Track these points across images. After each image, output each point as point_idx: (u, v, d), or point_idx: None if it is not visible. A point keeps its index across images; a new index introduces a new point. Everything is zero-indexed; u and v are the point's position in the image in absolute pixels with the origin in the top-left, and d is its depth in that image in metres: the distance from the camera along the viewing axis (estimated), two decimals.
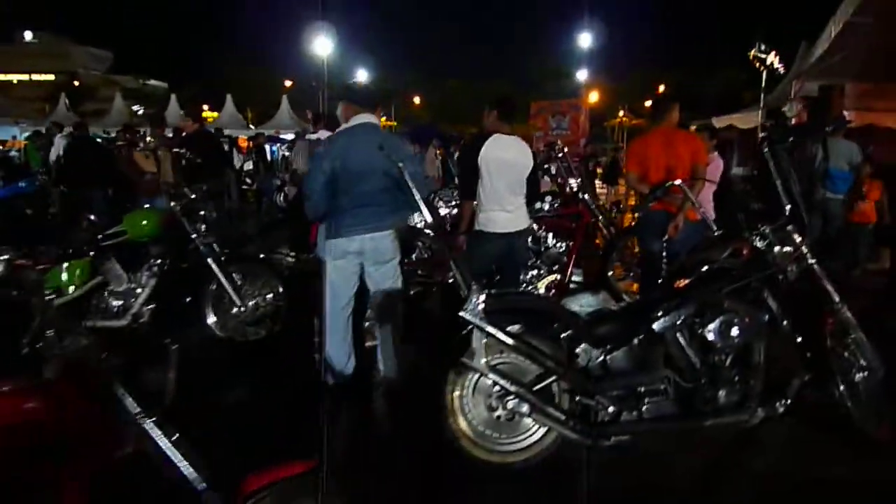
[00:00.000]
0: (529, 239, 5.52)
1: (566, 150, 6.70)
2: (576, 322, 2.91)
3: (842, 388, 3.10)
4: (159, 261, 4.47)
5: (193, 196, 4.53)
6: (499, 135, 4.16)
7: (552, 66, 44.11)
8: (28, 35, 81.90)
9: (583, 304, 5.51)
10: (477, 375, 2.81)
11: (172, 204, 4.41)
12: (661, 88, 42.10)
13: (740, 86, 26.05)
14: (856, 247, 7.37)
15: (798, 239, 3.07)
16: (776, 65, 11.84)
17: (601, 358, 2.85)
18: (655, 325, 2.87)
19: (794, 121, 12.66)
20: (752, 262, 3.03)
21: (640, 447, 2.92)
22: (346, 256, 3.55)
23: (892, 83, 13.07)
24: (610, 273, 5.65)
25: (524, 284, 5.42)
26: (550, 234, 5.52)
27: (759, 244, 3.08)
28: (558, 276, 5.39)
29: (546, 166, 6.28)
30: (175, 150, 6.90)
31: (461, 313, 2.67)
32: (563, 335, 2.87)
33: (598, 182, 19.16)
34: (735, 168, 17.16)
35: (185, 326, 4.50)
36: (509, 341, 2.70)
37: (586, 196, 5.54)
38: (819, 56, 12.06)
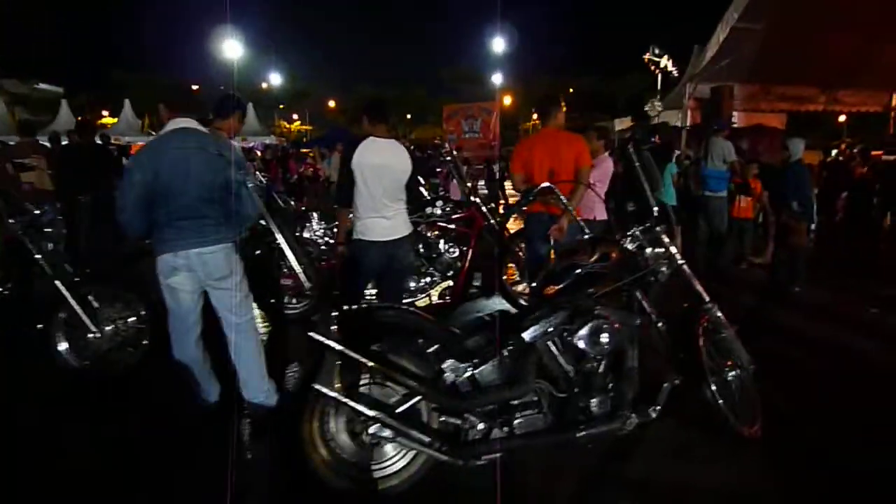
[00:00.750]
0: (421, 245, 5.36)
1: (455, 153, 6.57)
2: (443, 336, 2.74)
3: (713, 388, 3.08)
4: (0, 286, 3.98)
5: (38, 212, 4.06)
6: (373, 138, 3.95)
7: (465, 70, 44.50)
8: None
9: (478, 311, 5.37)
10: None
11: (11, 222, 3.93)
12: (571, 91, 43.44)
13: (645, 89, 27.12)
14: (741, 242, 7.67)
15: (666, 240, 3.03)
16: (670, 67, 12.27)
17: (469, 373, 2.69)
18: (525, 335, 2.74)
19: (688, 121, 13.23)
20: (622, 265, 2.96)
21: (513, 458, 2.79)
22: (176, 273, 3.20)
23: (777, 84, 13.90)
24: (504, 277, 5.56)
25: (417, 292, 5.25)
26: (442, 240, 5.36)
27: (629, 246, 3.02)
28: (451, 283, 5.24)
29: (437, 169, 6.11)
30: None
31: (311, 333, 2.44)
32: (429, 350, 2.69)
33: (508, 184, 19.38)
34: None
35: (33, 356, 4.02)
36: (366, 362, 2.49)
37: (478, 200, 5.41)
38: (709, 59, 12.60)
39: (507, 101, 40.85)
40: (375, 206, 3.93)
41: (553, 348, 2.79)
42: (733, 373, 3.17)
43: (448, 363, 2.66)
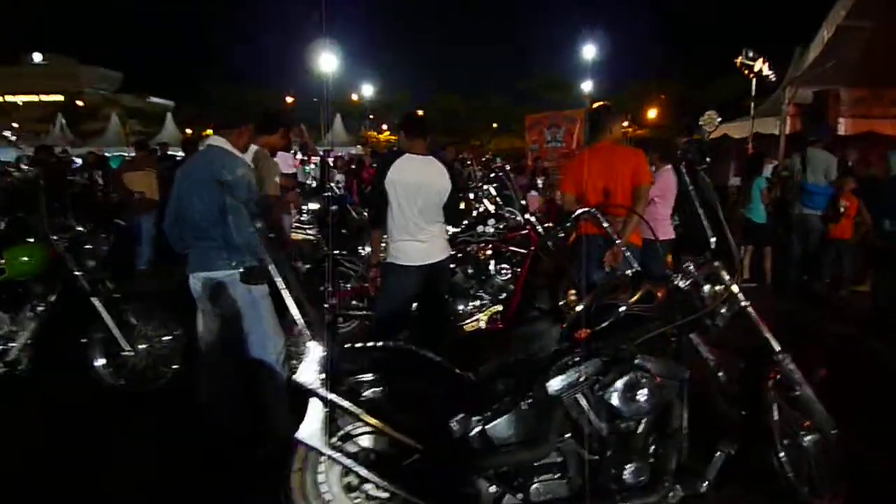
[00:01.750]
0: (470, 267, 5.05)
1: (507, 167, 6.20)
2: (452, 381, 2.41)
3: (782, 455, 2.57)
4: (42, 301, 4.03)
5: (81, 228, 4.09)
6: (409, 155, 3.69)
7: (552, 78, 43.74)
8: (38, 57, 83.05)
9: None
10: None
11: (55, 238, 3.96)
12: (662, 97, 41.70)
13: (740, 94, 25.49)
14: (839, 265, 6.82)
15: (726, 276, 2.56)
16: (765, 71, 11.29)
17: (480, 427, 2.35)
18: (550, 386, 2.37)
19: (787, 129, 12.15)
20: (670, 306, 2.52)
21: None
22: (196, 294, 3.10)
23: (888, 88, 12.54)
24: (562, 302, 5.13)
25: (465, 316, 4.93)
26: (493, 261, 5.02)
27: (680, 283, 2.58)
28: (501, 308, 4.89)
29: (485, 187, 5.77)
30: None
31: (295, 377, 2.19)
32: (434, 398, 2.38)
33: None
34: (732, 178, 16.67)
35: (70, 372, 4.04)
36: (358, 412, 2.20)
37: (533, 218, 5.03)
38: (812, 61, 11.53)
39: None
40: (409, 227, 3.66)
41: (583, 402, 2.39)
42: (809, 437, 2.64)
43: (456, 415, 2.33)
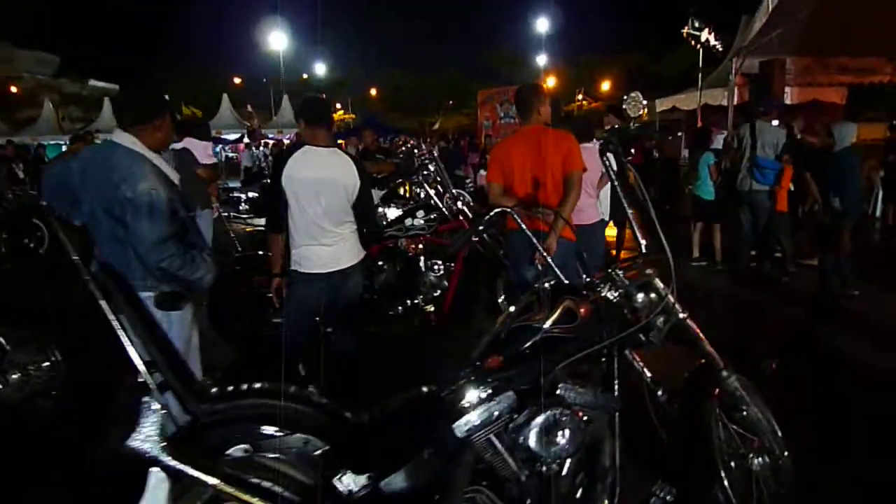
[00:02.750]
0: (399, 263, 4.63)
1: (432, 150, 5.75)
2: (336, 428, 1.99)
3: (726, 482, 2.25)
4: None
5: None
6: (308, 147, 3.23)
7: (506, 52, 43.17)
8: None
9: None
10: None
11: None
12: (616, 70, 41.62)
13: (692, 65, 25.44)
14: (780, 238, 6.63)
15: (660, 284, 2.20)
16: (712, 41, 11.06)
17: (372, 484, 1.94)
18: (457, 428, 1.98)
19: (735, 99, 11.99)
20: (598, 322, 2.15)
21: None
22: None
23: (834, 57, 12.48)
24: (501, 299, 4.77)
25: (395, 318, 4.52)
26: (423, 257, 4.61)
27: (609, 294, 2.20)
28: (433, 308, 4.50)
29: (425, 172, 5.30)
30: None
31: (128, 442, 1.74)
32: (315, 453, 1.96)
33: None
34: (684, 150, 16.56)
35: None
36: (214, 482, 1.77)
37: (465, 207, 4.62)
38: (758, 31, 11.34)
39: (551, 82, 39.43)
40: (312, 230, 3.21)
41: (498, 444, 2.01)
42: (758, 460, 2.33)
43: (341, 471, 1.92)
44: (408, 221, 4.62)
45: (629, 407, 2.21)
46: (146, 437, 1.75)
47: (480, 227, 2.92)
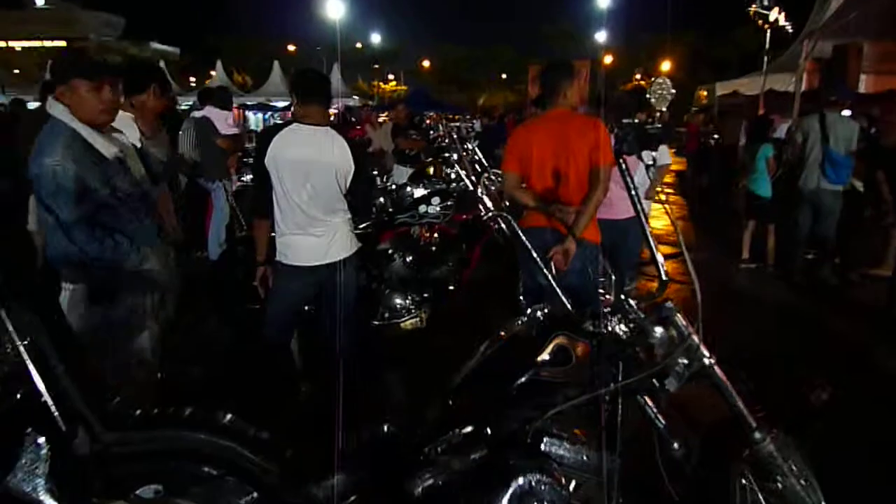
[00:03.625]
0: (410, 255, 4.26)
1: (451, 131, 5.28)
2: (269, 472, 1.66)
3: None
4: None
5: None
6: (296, 125, 2.87)
7: (562, 28, 41.87)
8: (40, 1, 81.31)
9: None
10: None
11: None
12: (677, 50, 39.84)
13: (758, 47, 23.96)
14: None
15: (682, 322, 1.76)
16: (781, 21, 10.18)
17: None
18: (415, 485, 1.61)
19: (804, 86, 11.07)
20: (594, 365, 1.73)
21: None
22: None
23: None
24: (522, 299, 4.36)
25: (403, 312, 4.17)
26: (434, 248, 4.23)
27: (618, 329, 1.79)
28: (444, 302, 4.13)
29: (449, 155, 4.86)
30: None
31: (5, 481, 1.44)
32: (241, 500, 1.63)
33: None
34: (742, 137, 15.56)
35: None
36: None
37: (485, 196, 4.21)
38: (834, 12, 10.39)
39: (608, 60, 38.12)
40: (298, 218, 2.87)
41: None
42: None
43: None
44: (422, 208, 4.23)
45: (635, 459, 1.81)
46: (26, 474, 1.45)
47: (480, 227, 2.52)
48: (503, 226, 3.99)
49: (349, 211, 3.01)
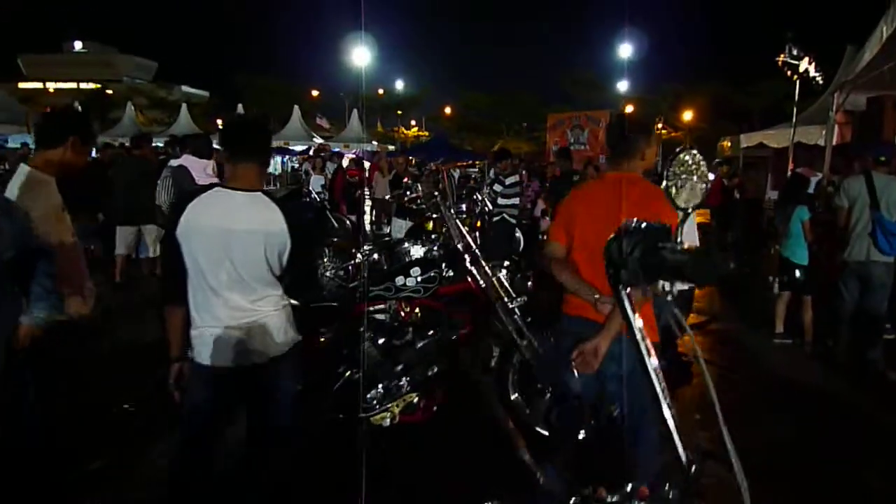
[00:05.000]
0: (383, 335, 3.61)
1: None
2: None
3: None
4: None
5: None
6: (220, 189, 2.28)
7: (582, 77, 41.84)
8: (78, 45, 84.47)
9: None
10: None
11: None
12: (699, 100, 39.47)
13: (786, 98, 23.37)
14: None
15: None
16: (812, 72, 9.57)
17: None
18: None
19: (835, 140, 10.41)
20: None
21: None
22: None
23: None
24: (514, 396, 3.66)
25: (374, 403, 3.50)
26: (412, 328, 3.58)
27: None
28: (417, 398, 3.45)
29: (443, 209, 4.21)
30: None
31: None
32: None
33: None
34: (770, 191, 14.82)
35: None
36: None
37: (473, 267, 3.57)
38: (867, 63, 9.75)
39: (629, 109, 37.75)
40: (214, 306, 2.25)
41: None
42: None
43: None
44: (398, 280, 3.59)
45: None
46: None
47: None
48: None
49: (284, 296, 2.39)
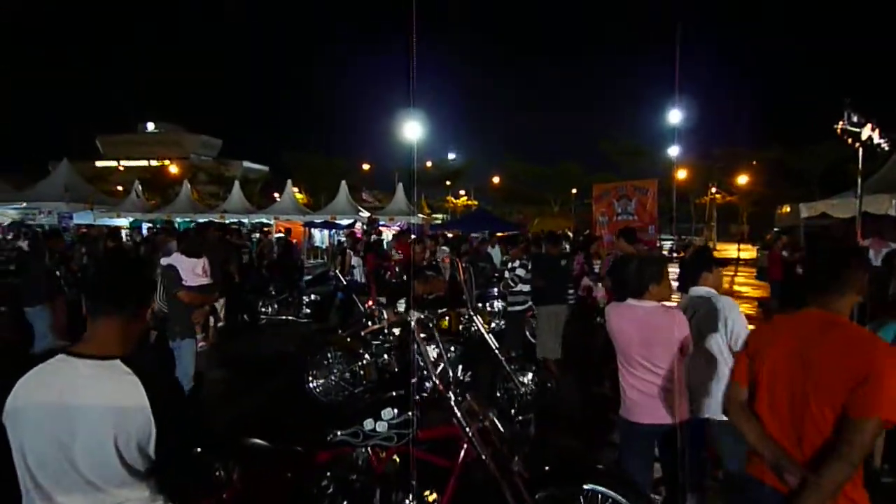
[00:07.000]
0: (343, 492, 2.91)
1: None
2: None
3: None
4: None
5: None
6: (64, 357, 1.70)
7: (624, 145, 41.36)
8: (150, 125, 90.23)
9: None
10: None
11: None
12: (753, 164, 38.17)
13: (844, 160, 22.12)
14: None
15: None
16: (876, 139, 8.66)
17: None
18: None
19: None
20: None
21: None
22: None
23: None
24: None
25: None
26: (383, 482, 2.86)
27: None
28: None
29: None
30: None
31: None
32: None
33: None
34: None
35: None
36: None
37: (458, 410, 2.87)
38: None
39: (682, 174, 36.74)
40: None
41: None
42: None
43: None
44: (367, 424, 2.92)
45: None
46: None
47: None
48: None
49: (156, 496, 1.76)
